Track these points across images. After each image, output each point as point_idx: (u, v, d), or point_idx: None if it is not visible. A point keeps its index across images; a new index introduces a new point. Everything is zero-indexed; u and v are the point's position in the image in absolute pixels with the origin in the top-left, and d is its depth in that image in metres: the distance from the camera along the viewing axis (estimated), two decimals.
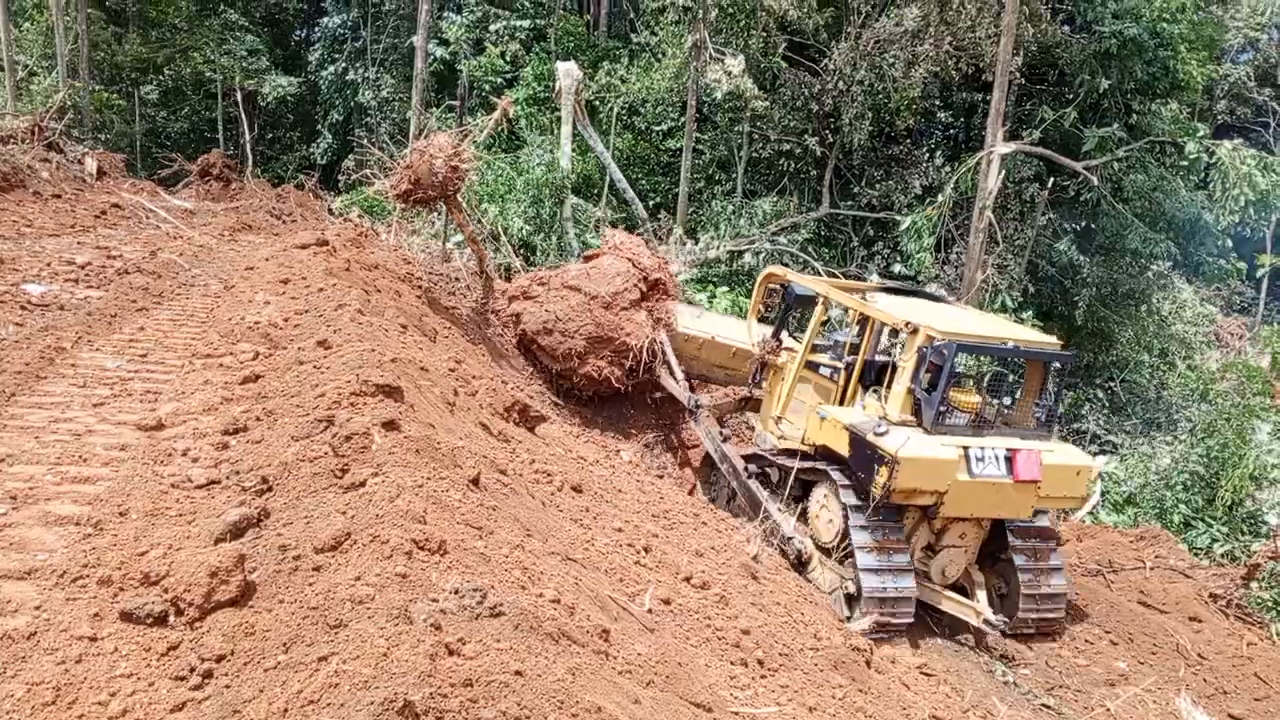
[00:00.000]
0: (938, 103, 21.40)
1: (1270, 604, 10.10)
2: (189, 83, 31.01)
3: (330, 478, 4.06)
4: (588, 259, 12.90)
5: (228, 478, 4.51)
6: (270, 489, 4.20)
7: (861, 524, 8.42)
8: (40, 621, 3.23)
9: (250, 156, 28.53)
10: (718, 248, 19.57)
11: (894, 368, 9.02)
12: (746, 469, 10.22)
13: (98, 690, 2.85)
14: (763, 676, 4.75)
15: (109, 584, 3.42)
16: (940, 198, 18.41)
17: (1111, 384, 21.55)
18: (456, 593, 3.05)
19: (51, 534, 3.98)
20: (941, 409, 8.42)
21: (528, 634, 3.04)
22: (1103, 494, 13.91)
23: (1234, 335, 29.45)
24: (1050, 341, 9.31)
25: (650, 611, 4.66)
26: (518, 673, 2.73)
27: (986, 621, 8.56)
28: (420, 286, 12.09)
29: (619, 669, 3.47)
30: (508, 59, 24.76)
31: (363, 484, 3.89)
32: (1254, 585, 10.27)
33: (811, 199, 21.98)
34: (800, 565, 9.03)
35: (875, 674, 6.02)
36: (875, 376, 9.64)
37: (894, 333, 9.48)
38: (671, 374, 11.92)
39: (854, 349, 9.79)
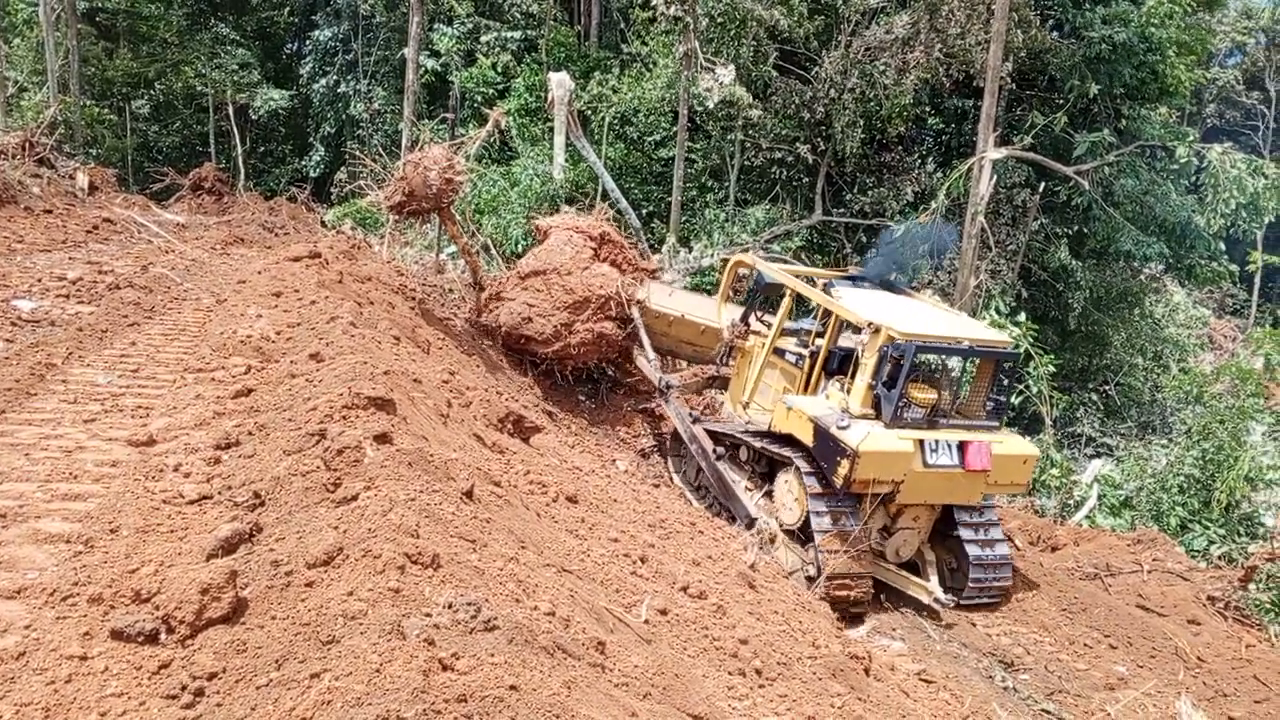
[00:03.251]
0: (929, 109, 21.44)
1: (1268, 606, 10.09)
2: (180, 97, 31.05)
3: (322, 492, 4.03)
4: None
5: (220, 493, 4.47)
6: (262, 504, 4.17)
7: (822, 509, 8.93)
8: (30, 641, 3.19)
9: (242, 170, 28.57)
10: (711, 256, 19.57)
11: (856, 359, 9.48)
12: (715, 450, 10.62)
13: (88, 710, 2.82)
14: (761, 686, 4.72)
15: (100, 602, 3.38)
16: (933, 204, 18.45)
17: (1106, 387, 21.59)
18: (450, 607, 3.02)
19: (42, 552, 3.94)
20: (900, 404, 8.94)
21: (522, 648, 3.01)
22: (1099, 497, 13.91)
23: (1227, 337, 29.56)
24: (1003, 340, 9.95)
25: (647, 622, 4.63)
26: (512, 687, 2.70)
27: (936, 600, 9.08)
28: (414, 298, 12.07)
29: (615, 681, 3.44)
30: (499, 70, 24.81)
31: (355, 498, 3.86)
32: (1252, 587, 10.26)
33: (804, 206, 22.02)
34: (764, 544, 9.41)
35: (874, 681, 5.99)
36: (839, 364, 10.11)
37: (857, 329, 9.76)
38: (644, 353, 12.21)
39: (819, 335, 10.33)
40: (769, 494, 9.94)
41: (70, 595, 3.51)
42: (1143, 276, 22.28)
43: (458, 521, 3.91)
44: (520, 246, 17.16)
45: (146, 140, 31.50)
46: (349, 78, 29.99)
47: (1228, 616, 10.03)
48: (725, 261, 19.53)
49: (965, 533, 9.49)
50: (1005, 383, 9.80)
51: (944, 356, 9.68)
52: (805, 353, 10.44)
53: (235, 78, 29.31)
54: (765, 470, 10.19)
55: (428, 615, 2.96)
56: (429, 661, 2.66)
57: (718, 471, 10.42)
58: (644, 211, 20.98)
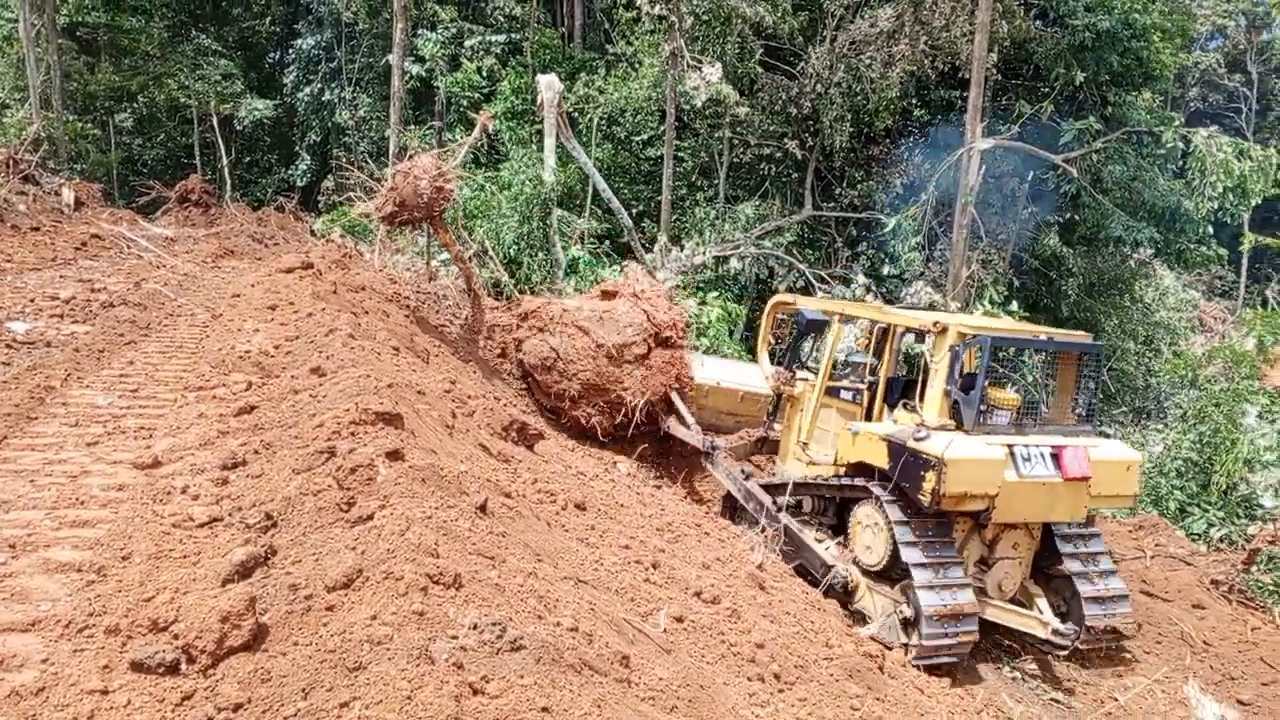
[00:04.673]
0: (915, 101, 21.47)
1: (1271, 588, 10.14)
2: (164, 109, 30.84)
3: (336, 511, 3.99)
4: (605, 295, 12.27)
5: (230, 515, 4.42)
6: (275, 525, 4.13)
7: (911, 540, 7.98)
8: (48, 675, 3.15)
9: (228, 181, 28.44)
10: (703, 254, 19.57)
11: (923, 380, 8.76)
12: (775, 503, 9.59)
13: None
14: (780, 691, 4.71)
15: (117, 633, 3.34)
16: (923, 196, 18.48)
17: (1100, 374, 21.64)
18: (475, 628, 2.99)
19: (54, 582, 3.89)
20: (981, 408, 8.17)
21: (550, 667, 2.98)
22: None
23: (1217, 319, 29.73)
24: (1082, 335, 9.26)
25: (665, 631, 4.61)
26: (544, 709, 2.68)
27: (1056, 632, 8.10)
28: (408, 306, 12.02)
29: (642, 696, 3.42)
30: (484, 74, 24.74)
31: (370, 517, 3.82)
32: (1254, 570, 10.31)
33: (794, 201, 22.03)
34: (846, 595, 8.58)
35: (889, 679, 5.99)
36: (901, 392, 9.42)
37: (919, 338, 9.32)
38: (682, 421, 11.30)
39: (873, 370, 9.68)
40: (843, 540, 8.99)
41: (86, 626, 3.46)
42: (1132, 262, 22.35)
43: (474, 538, 3.88)
44: (511, 249, 17.09)
45: (131, 154, 31.31)
46: (333, 86, 29.85)
47: (1232, 600, 10.07)
48: (719, 261, 19.60)
49: (1073, 565, 8.61)
50: (1091, 382, 8.99)
51: (1022, 353, 8.93)
52: (862, 386, 9.75)
53: (218, 88, 29.11)
54: (833, 521, 9.37)
55: (454, 638, 2.93)
56: (460, 686, 2.63)
57: (780, 524, 9.34)
58: (634, 211, 20.95)
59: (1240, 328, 22.21)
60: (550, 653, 3.04)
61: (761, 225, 20.56)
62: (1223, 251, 21.96)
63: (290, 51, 31.76)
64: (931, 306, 17.48)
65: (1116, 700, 8.28)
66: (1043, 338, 8.70)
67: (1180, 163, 20.85)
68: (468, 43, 25.39)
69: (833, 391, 10.06)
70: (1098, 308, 21.21)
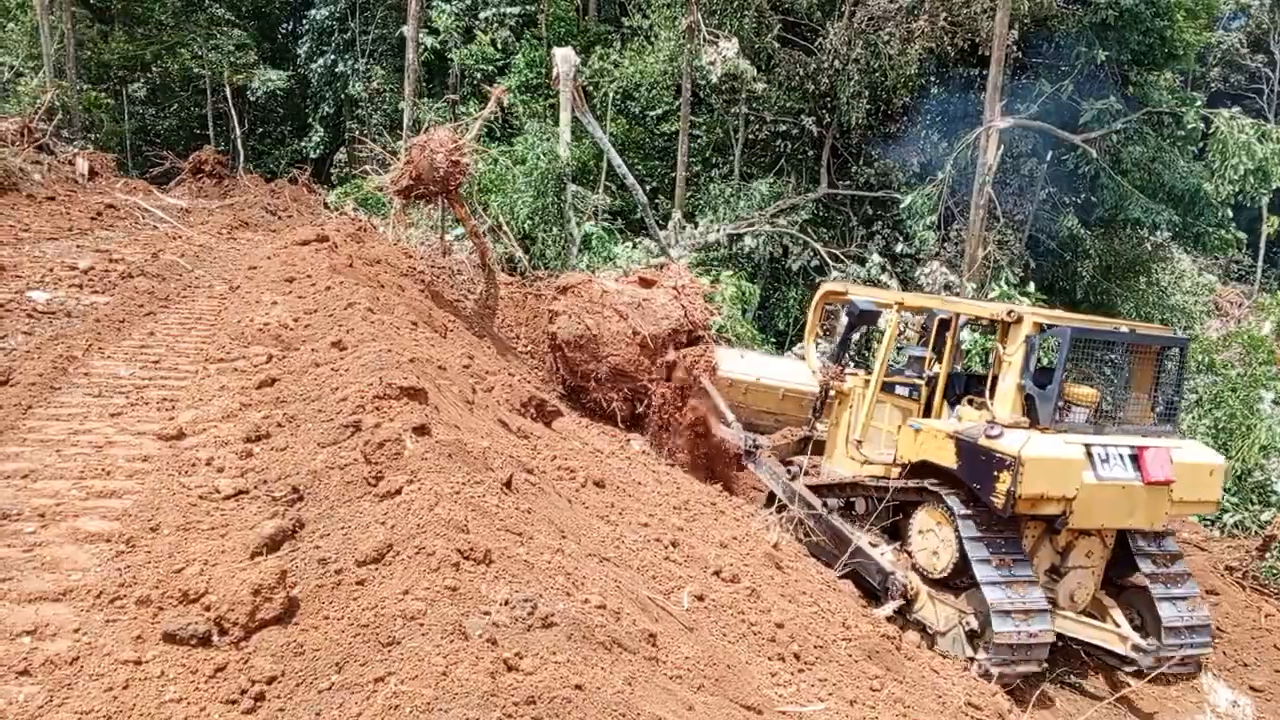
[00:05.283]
0: (934, 79, 21.25)
1: None
2: (177, 79, 30.79)
3: (364, 486, 4.00)
4: (644, 282, 11.92)
5: (256, 487, 4.43)
6: (301, 498, 4.13)
7: (984, 555, 7.45)
8: (82, 645, 3.17)
9: (241, 152, 28.42)
10: (717, 231, 19.50)
11: (993, 374, 8.27)
12: (825, 504, 9.11)
13: (149, 718, 2.79)
14: (800, 671, 4.72)
15: (148, 604, 3.35)
16: (939, 175, 18.34)
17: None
18: (508, 604, 3.00)
19: (83, 552, 3.91)
20: (1059, 404, 7.66)
21: (581, 644, 2.99)
22: None
23: (1233, 304, 29.51)
24: (1163, 328, 8.76)
25: (687, 610, 4.62)
26: (578, 686, 2.68)
27: (1136, 647, 7.54)
28: (423, 280, 12.01)
29: (669, 674, 3.43)
30: (498, 46, 24.60)
31: (398, 492, 3.82)
32: (1269, 556, 10.29)
33: (809, 179, 21.89)
34: (905, 603, 8.14)
35: (906, 660, 6.00)
36: (964, 389, 9.01)
37: (990, 329, 8.84)
38: (721, 418, 10.74)
39: (935, 362, 9.21)
40: (901, 545, 8.51)
41: (117, 597, 3.48)
42: (1149, 244, 22.17)
43: (502, 514, 3.88)
44: (527, 225, 17.04)
45: (144, 124, 31.29)
46: (346, 57, 29.72)
47: (1245, 586, 10.06)
48: (733, 238, 19.52)
49: (1155, 589, 7.98)
50: (1175, 379, 8.41)
51: (1104, 348, 8.05)
52: (920, 381, 9.25)
53: (232, 59, 29.04)
54: (888, 524, 8.81)
55: (486, 613, 2.93)
56: (495, 662, 2.63)
57: (834, 528, 8.81)
58: (648, 187, 20.84)
59: (1257, 313, 22.05)
60: (581, 630, 3.05)
61: (776, 203, 20.46)
62: (1241, 235, 21.76)
63: (304, 22, 31.57)
64: (947, 287, 17.39)
65: (1129, 684, 8.29)
66: (1124, 330, 8.16)
67: (1201, 144, 20.63)
68: (482, 14, 25.23)
69: (887, 387, 9.56)
70: (1114, 290, 21.08)
